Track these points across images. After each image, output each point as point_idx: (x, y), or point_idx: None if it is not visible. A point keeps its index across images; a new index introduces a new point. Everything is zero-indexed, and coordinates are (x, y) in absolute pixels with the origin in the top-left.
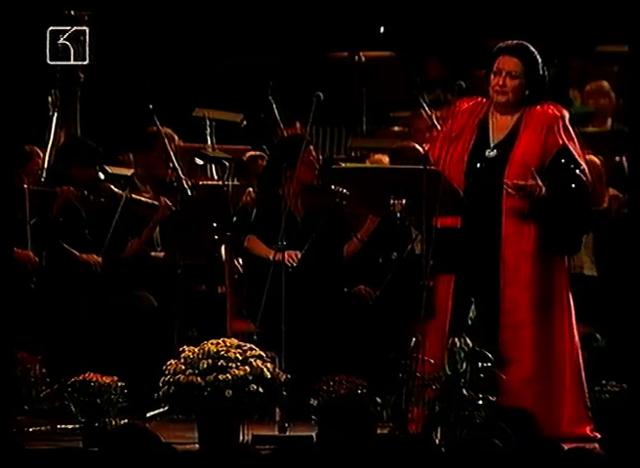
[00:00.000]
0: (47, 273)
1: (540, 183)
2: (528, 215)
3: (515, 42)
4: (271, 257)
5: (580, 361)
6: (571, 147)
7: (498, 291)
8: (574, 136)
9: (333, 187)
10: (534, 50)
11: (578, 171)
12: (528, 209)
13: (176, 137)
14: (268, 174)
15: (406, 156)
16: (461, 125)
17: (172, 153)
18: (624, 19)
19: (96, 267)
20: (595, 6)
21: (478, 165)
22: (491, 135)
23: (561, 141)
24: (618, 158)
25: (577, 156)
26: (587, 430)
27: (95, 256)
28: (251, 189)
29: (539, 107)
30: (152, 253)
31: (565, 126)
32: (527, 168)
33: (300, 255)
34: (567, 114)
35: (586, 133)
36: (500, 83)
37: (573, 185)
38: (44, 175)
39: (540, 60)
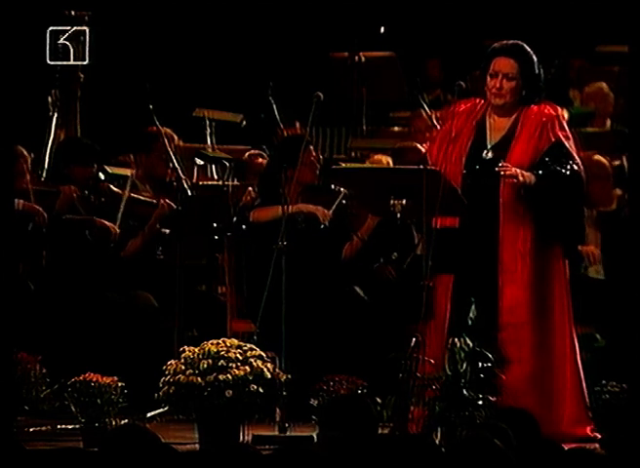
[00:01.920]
0: (49, 271)
1: (526, 172)
2: (525, 215)
3: (510, 42)
4: (281, 212)
5: (579, 361)
6: (565, 143)
7: (497, 290)
8: (570, 134)
9: (333, 187)
10: (529, 49)
11: (571, 162)
12: (523, 196)
13: (175, 137)
14: (269, 174)
15: (408, 156)
16: (459, 126)
17: (172, 153)
18: (624, 19)
19: (114, 236)
20: (595, 6)
21: (475, 166)
22: (488, 136)
23: (554, 138)
24: (618, 162)
25: (571, 151)
26: (588, 430)
27: (113, 225)
28: (250, 189)
29: (535, 107)
30: (162, 230)
31: (561, 124)
32: (522, 169)
33: (330, 214)
34: (565, 114)
35: (586, 133)
36: (497, 85)
37: (563, 171)
38: (44, 174)
39: (535, 60)
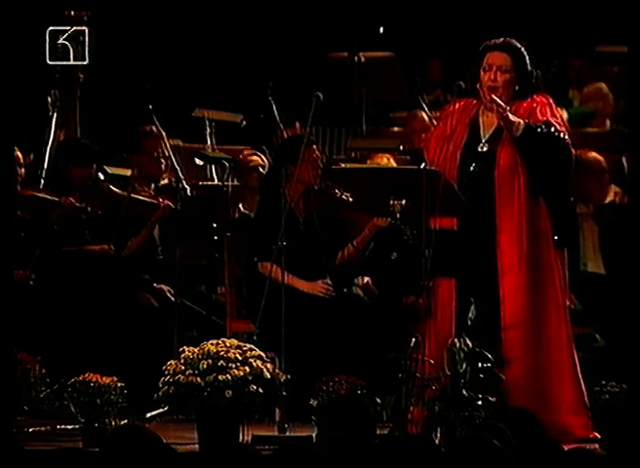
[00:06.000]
0: (49, 271)
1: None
2: (520, 205)
3: (502, 39)
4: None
5: (577, 359)
6: (554, 122)
7: (497, 288)
8: (562, 122)
9: (337, 191)
10: (520, 45)
11: (562, 132)
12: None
13: (164, 134)
14: (271, 174)
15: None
16: (453, 124)
17: (166, 152)
18: (624, 19)
19: (111, 254)
20: (595, 6)
21: (470, 162)
22: (482, 131)
23: (543, 118)
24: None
25: (561, 129)
26: (588, 430)
27: (106, 247)
28: (241, 205)
29: (528, 99)
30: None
31: (552, 111)
32: (515, 159)
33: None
34: (564, 114)
35: (586, 133)
36: (492, 77)
37: (553, 131)
38: (44, 175)
39: (527, 56)
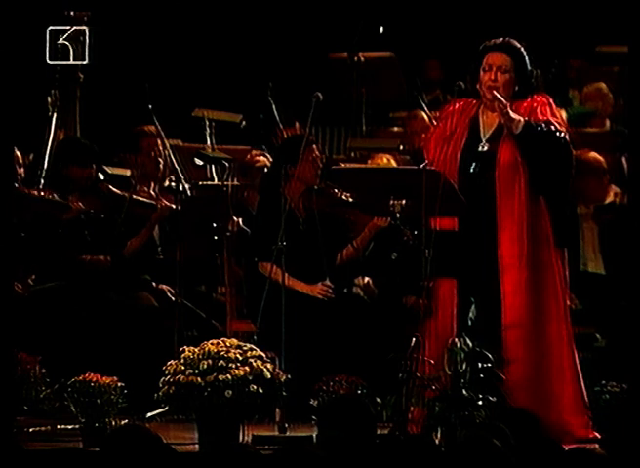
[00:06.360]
0: (49, 271)
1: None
2: (521, 204)
3: (501, 39)
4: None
5: (577, 359)
6: (554, 121)
7: (497, 288)
8: (560, 120)
9: (336, 191)
10: (520, 46)
11: (562, 130)
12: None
13: (162, 134)
14: (271, 173)
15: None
16: (453, 124)
17: (164, 151)
18: (624, 19)
19: (106, 265)
20: (595, 6)
21: (470, 161)
22: (482, 131)
23: (543, 117)
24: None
25: (559, 126)
26: (588, 430)
27: (102, 258)
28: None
29: (528, 99)
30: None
31: (552, 111)
32: (516, 158)
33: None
34: (563, 114)
35: (585, 133)
36: (492, 77)
37: (552, 128)
38: (43, 175)
39: (527, 56)
